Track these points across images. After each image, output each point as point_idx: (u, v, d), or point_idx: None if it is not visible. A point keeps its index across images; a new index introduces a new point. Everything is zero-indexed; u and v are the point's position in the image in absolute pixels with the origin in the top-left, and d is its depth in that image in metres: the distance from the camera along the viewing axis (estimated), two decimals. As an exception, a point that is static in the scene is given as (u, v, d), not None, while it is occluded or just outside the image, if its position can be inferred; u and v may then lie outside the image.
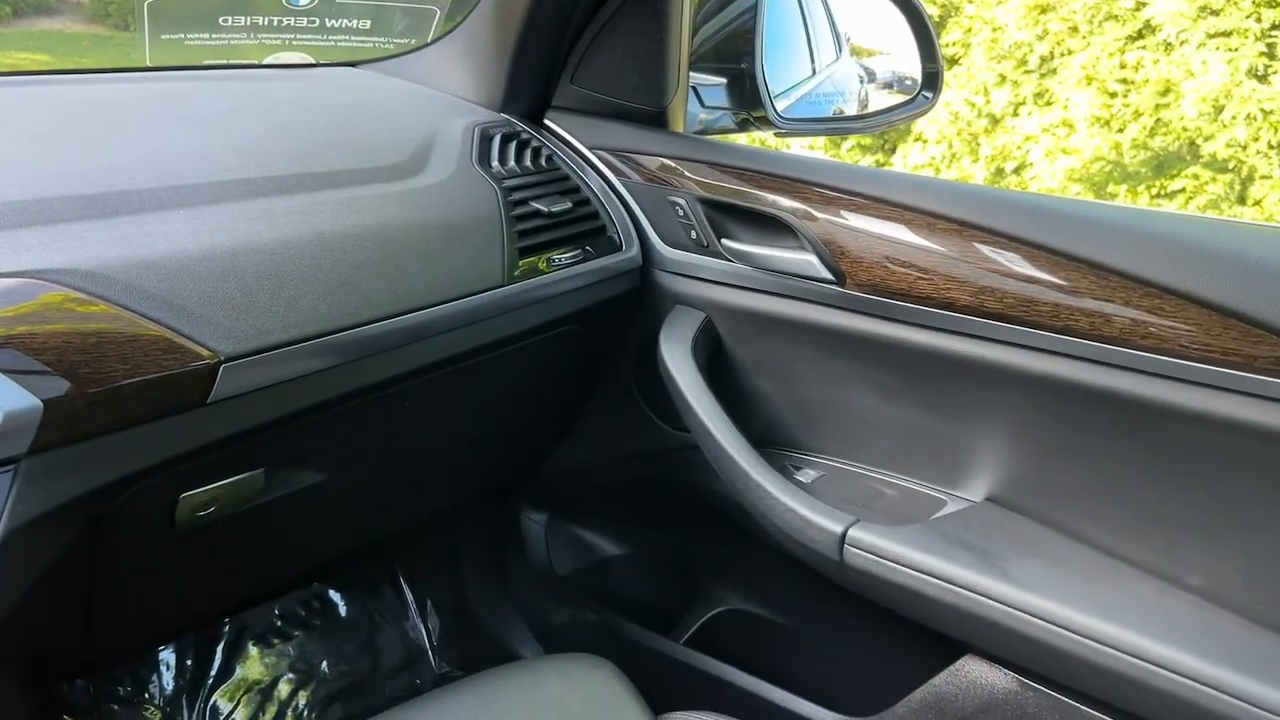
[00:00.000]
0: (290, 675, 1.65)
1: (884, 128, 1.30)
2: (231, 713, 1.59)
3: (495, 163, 1.20)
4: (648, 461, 1.40)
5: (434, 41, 1.40)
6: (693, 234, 1.18)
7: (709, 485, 1.28)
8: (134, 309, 0.87)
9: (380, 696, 1.69)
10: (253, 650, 1.64)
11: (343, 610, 1.73)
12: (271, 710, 1.62)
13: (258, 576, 1.32)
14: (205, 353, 0.89)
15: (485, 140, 1.22)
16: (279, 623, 1.68)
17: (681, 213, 1.19)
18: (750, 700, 1.25)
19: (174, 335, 0.88)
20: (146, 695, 1.55)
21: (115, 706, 1.52)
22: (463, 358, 1.10)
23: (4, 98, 1.12)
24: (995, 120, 7.83)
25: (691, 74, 1.31)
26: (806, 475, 1.16)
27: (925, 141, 8.00)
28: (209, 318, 0.90)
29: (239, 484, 1.02)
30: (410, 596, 1.76)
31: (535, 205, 1.17)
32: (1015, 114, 7.74)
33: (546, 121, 1.32)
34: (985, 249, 0.96)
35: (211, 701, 1.58)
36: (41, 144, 1.00)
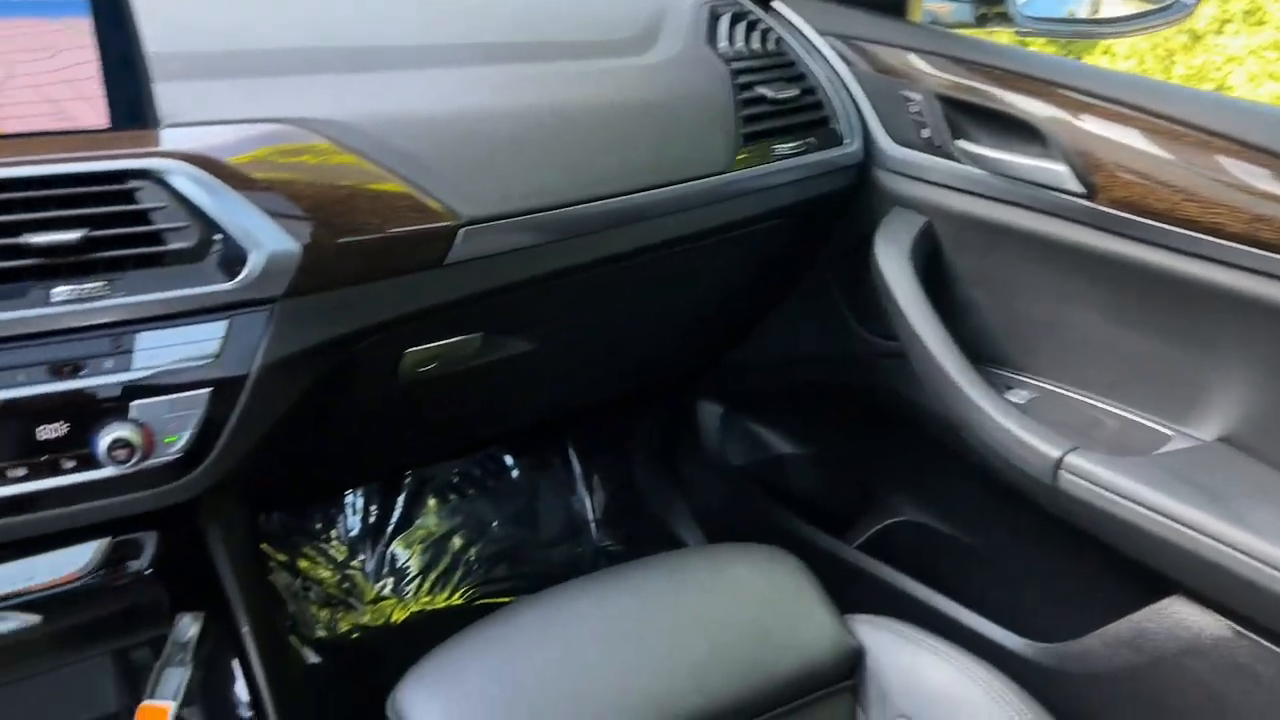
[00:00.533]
0: (462, 531, 1.73)
1: (1138, 32, 1.20)
2: (407, 560, 1.68)
3: (724, 42, 1.17)
4: (836, 365, 1.38)
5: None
6: (924, 132, 1.13)
7: (903, 394, 1.26)
8: (385, 164, 0.89)
9: (543, 562, 1.75)
10: (431, 503, 1.71)
11: (515, 476, 1.79)
12: (443, 562, 1.70)
13: (456, 434, 1.37)
14: (447, 214, 0.91)
15: (714, 18, 1.19)
16: (456, 479, 1.75)
17: (915, 109, 1.13)
18: (926, 612, 1.24)
19: (420, 194, 0.90)
20: (334, 534, 1.65)
21: (305, 541, 1.62)
22: (679, 242, 1.09)
23: None
24: (1196, 37, 7.26)
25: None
26: (1019, 396, 1.12)
27: (1114, 55, 7.49)
28: (454, 180, 0.91)
29: (457, 345, 1.05)
30: (579, 471, 1.81)
31: (762, 90, 1.14)
32: (1220, 31, 7.16)
33: (774, 4, 1.27)
34: (1265, 173, 0.88)
35: (390, 547, 1.67)
36: (297, 6, 1.02)
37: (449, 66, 0.99)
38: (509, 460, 1.79)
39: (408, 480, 1.70)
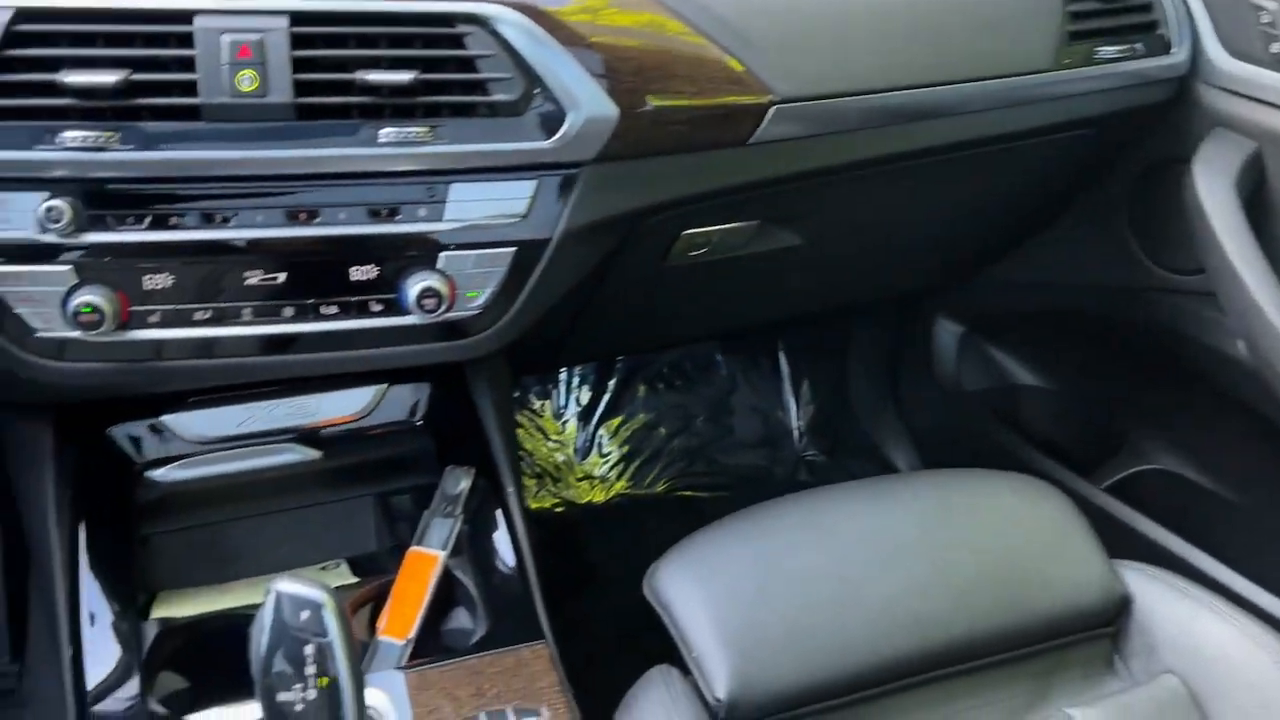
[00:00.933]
0: (667, 423, 1.73)
1: None
2: (612, 444, 1.69)
3: None
4: (1107, 295, 1.29)
5: None
6: (1275, 47, 1.01)
7: (1185, 334, 1.17)
8: (708, 33, 0.84)
9: (743, 463, 1.74)
10: (641, 391, 1.71)
11: (724, 374, 1.77)
12: (646, 451, 1.70)
13: (699, 323, 1.35)
14: (761, 90, 0.86)
15: None
16: (666, 370, 1.74)
17: (1267, 19, 1.01)
18: (1180, 566, 1.17)
19: (738, 65, 0.85)
20: (548, 408, 1.67)
21: (522, 410, 1.64)
22: (981, 143, 1.02)
23: None
24: None
25: None
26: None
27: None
28: (772, 55, 0.86)
29: (733, 231, 1.02)
30: (788, 375, 1.77)
31: None
32: None
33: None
34: None
35: (599, 430, 1.68)
36: None
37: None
38: (719, 358, 1.76)
39: (619, 365, 1.70)
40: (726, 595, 0.85)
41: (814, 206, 1.05)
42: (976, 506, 0.97)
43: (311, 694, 0.64)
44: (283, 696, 0.65)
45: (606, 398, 1.68)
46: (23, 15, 0.69)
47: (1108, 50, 1.04)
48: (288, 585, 0.64)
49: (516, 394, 1.65)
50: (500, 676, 0.79)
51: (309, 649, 0.64)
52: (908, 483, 1.01)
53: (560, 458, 1.65)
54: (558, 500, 1.62)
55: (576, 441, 1.67)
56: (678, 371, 1.73)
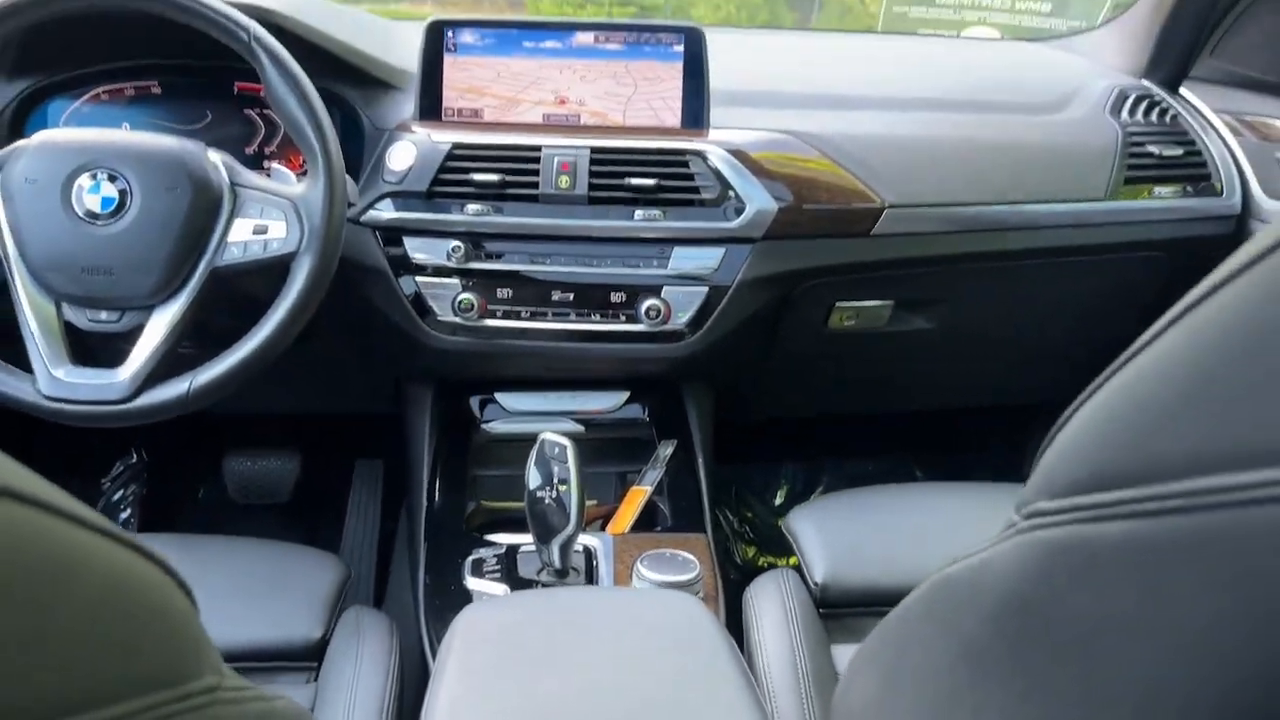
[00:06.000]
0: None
1: None
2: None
3: (1125, 114, 1.48)
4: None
5: (1101, 25, 1.71)
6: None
7: None
8: (842, 164, 1.34)
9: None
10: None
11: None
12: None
13: (860, 393, 1.75)
14: (877, 199, 1.34)
15: (1121, 97, 1.51)
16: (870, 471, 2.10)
17: (1283, 166, 1.36)
18: None
19: (860, 183, 1.34)
20: (780, 494, 2.08)
21: (749, 493, 2.07)
22: (1059, 252, 1.41)
23: (782, 43, 1.70)
24: None
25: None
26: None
27: None
28: (885, 177, 1.34)
29: (873, 309, 1.46)
30: None
31: (1149, 148, 1.43)
32: None
33: (1182, 90, 1.55)
34: None
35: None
36: (808, 68, 1.54)
37: (898, 110, 1.44)
38: (917, 473, 2.11)
39: (825, 472, 2.10)
40: (831, 527, 1.25)
41: (937, 296, 1.47)
42: None
43: (554, 493, 1.13)
44: (539, 494, 1.13)
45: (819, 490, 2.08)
46: (456, 146, 1.32)
47: (1163, 189, 1.42)
48: (548, 434, 1.15)
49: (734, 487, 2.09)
50: (672, 543, 1.23)
51: (556, 468, 1.13)
52: (990, 489, 1.33)
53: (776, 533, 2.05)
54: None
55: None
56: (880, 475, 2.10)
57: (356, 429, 1.92)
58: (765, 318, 1.41)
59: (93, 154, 1.07)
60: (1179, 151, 1.44)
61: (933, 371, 1.65)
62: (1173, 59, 1.53)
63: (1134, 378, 0.37)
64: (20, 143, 1.09)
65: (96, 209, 1.06)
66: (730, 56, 1.44)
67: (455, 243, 1.31)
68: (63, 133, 1.11)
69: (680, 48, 1.36)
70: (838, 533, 1.22)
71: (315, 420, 1.88)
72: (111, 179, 1.07)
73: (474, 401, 1.48)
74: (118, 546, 0.36)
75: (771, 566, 1.95)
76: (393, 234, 1.32)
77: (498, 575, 1.21)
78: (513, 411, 1.47)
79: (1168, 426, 0.34)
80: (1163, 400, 0.35)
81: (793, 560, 1.23)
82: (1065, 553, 0.39)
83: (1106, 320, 1.55)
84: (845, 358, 1.58)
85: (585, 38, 1.37)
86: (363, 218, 1.30)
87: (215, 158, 1.13)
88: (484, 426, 1.47)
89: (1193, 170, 1.44)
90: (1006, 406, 1.82)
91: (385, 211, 1.31)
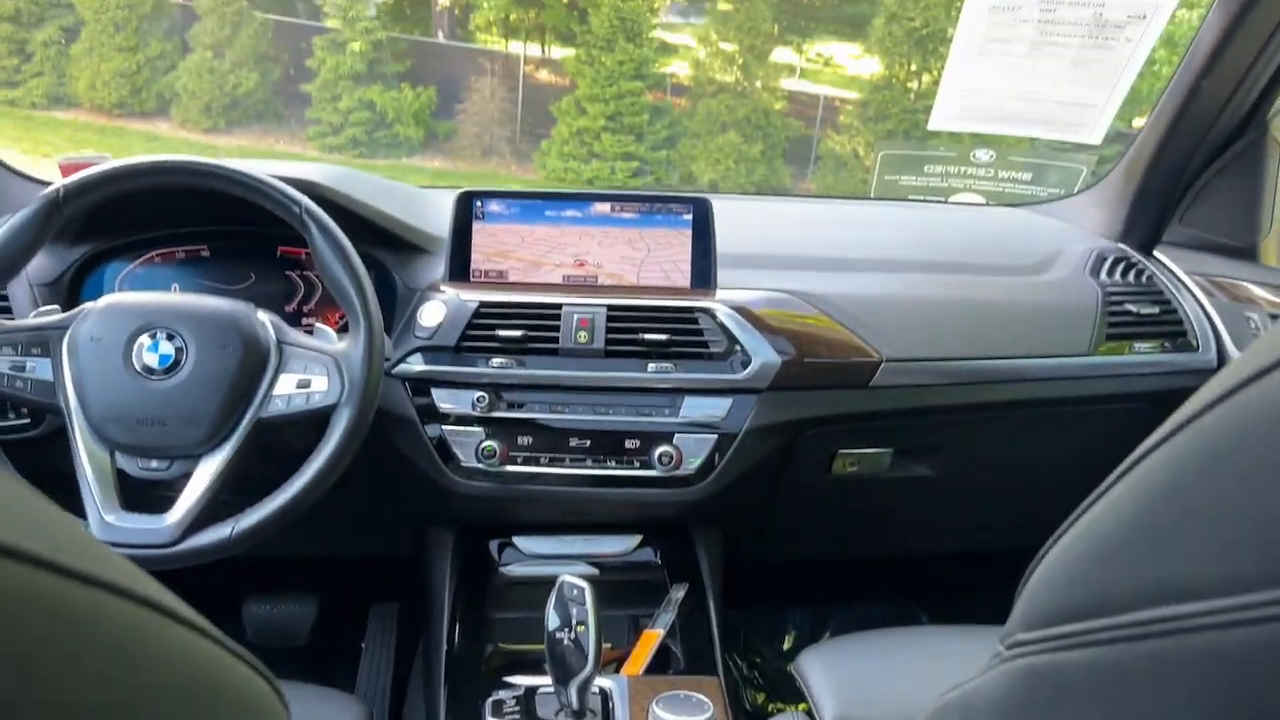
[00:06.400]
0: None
1: None
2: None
3: (1104, 275, 1.59)
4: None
5: (1078, 192, 1.85)
6: (1259, 343, 1.44)
7: None
8: (838, 319, 1.44)
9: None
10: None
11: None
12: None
13: (865, 537, 1.80)
14: (874, 354, 1.43)
15: (1100, 259, 1.62)
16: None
17: (1254, 326, 1.46)
18: None
19: (857, 339, 1.43)
20: (789, 640, 2.11)
21: (758, 640, 2.10)
22: (1048, 403, 1.50)
23: (783, 209, 1.83)
24: None
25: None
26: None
27: None
28: (881, 333, 1.44)
29: (874, 456, 1.54)
30: None
31: (1128, 306, 1.54)
32: None
33: (1155, 253, 1.67)
34: None
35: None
36: (807, 232, 1.66)
37: (892, 272, 1.55)
38: (923, 618, 2.14)
39: (834, 611, 2.13)
40: (840, 669, 1.29)
41: (935, 444, 1.55)
42: None
43: (573, 635, 1.18)
44: (558, 635, 1.18)
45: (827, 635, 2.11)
46: (484, 305, 1.42)
47: (1142, 345, 1.52)
48: (567, 577, 1.21)
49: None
50: (685, 685, 1.27)
51: (574, 610, 1.18)
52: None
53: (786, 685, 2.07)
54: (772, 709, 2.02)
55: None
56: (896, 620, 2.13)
57: (374, 572, 1.97)
58: (772, 464, 1.48)
59: (153, 315, 1.17)
60: (1155, 310, 1.54)
61: (935, 516, 1.72)
62: (1146, 224, 1.65)
63: (1092, 521, 0.45)
64: (88, 305, 1.19)
65: (154, 365, 1.15)
66: (735, 221, 1.56)
67: (480, 393, 1.39)
68: (127, 296, 1.22)
69: (689, 216, 1.48)
70: (846, 675, 1.26)
71: (334, 564, 1.93)
72: (170, 338, 1.16)
73: (492, 545, 1.53)
74: (223, 651, 0.42)
75: (781, 712, 1.96)
76: (421, 385, 1.41)
77: (517, 716, 1.25)
78: (530, 555, 1.53)
79: (1119, 565, 0.42)
80: (1115, 542, 0.42)
81: (802, 706, 1.27)
82: (1042, 678, 0.45)
83: (1096, 467, 1.60)
84: (849, 503, 1.65)
85: (602, 207, 1.49)
86: (394, 370, 1.39)
87: (264, 317, 1.22)
88: (502, 569, 1.52)
89: (1170, 327, 1.54)
90: (1007, 551, 1.87)
91: (416, 364, 1.40)
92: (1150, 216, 1.65)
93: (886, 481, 1.57)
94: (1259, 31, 1.35)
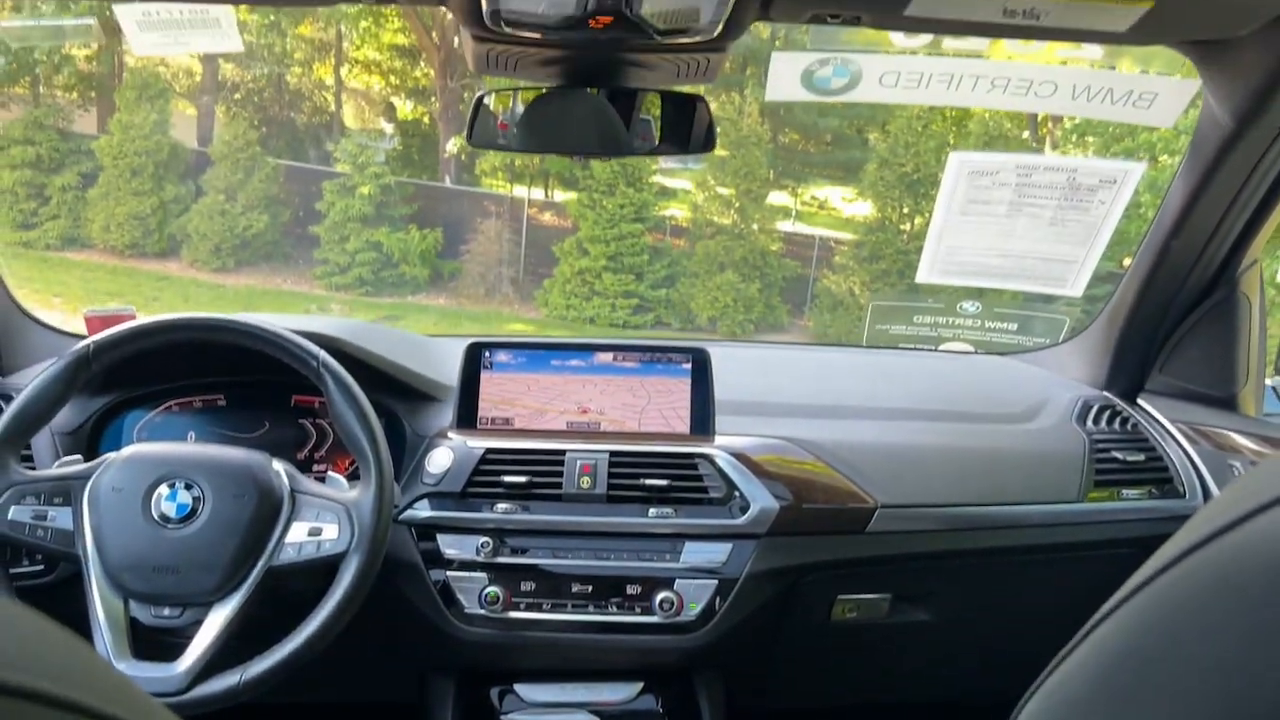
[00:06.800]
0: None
1: None
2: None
3: (1090, 423, 1.64)
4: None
5: (1063, 341, 1.92)
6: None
7: None
8: (833, 465, 1.49)
9: None
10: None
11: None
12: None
13: (866, 683, 1.80)
14: (869, 499, 1.47)
15: (1086, 407, 1.68)
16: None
17: (1238, 474, 1.50)
18: None
19: (853, 485, 1.47)
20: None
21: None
22: (1040, 550, 1.53)
23: (778, 356, 1.89)
24: None
25: (1276, 378, 1.64)
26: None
27: None
28: (876, 479, 1.48)
29: (872, 601, 1.56)
30: None
31: (1115, 454, 1.58)
32: None
33: (1139, 401, 1.73)
34: None
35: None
36: (802, 379, 1.72)
37: (885, 419, 1.60)
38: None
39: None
40: None
41: (932, 590, 1.57)
42: None
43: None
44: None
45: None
46: (490, 451, 1.47)
47: (1130, 492, 1.55)
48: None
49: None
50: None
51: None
52: None
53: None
54: None
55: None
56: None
57: (372, 717, 1.95)
58: (772, 609, 1.50)
59: (173, 465, 1.21)
60: (1142, 457, 1.59)
61: (934, 662, 1.72)
62: (1129, 373, 1.71)
63: (1061, 681, 0.48)
64: (110, 455, 1.23)
65: (171, 514, 1.19)
66: (732, 368, 1.62)
67: (484, 538, 1.43)
68: (148, 447, 1.26)
69: (688, 365, 1.54)
70: None
71: (333, 709, 1.92)
72: (188, 487, 1.20)
73: (494, 692, 1.54)
74: None
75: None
76: (427, 530, 1.44)
77: None
78: (531, 703, 1.53)
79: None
80: (1081, 704, 0.46)
81: None
82: None
83: (1088, 614, 1.63)
84: (849, 649, 1.65)
85: (605, 356, 1.55)
86: (401, 517, 1.43)
87: (278, 466, 1.27)
88: (504, 718, 1.52)
89: (1157, 474, 1.58)
90: (1005, 699, 1.86)
91: (422, 511, 1.43)
92: (1132, 366, 1.71)
93: (885, 627, 1.59)
94: (1222, 197, 1.43)
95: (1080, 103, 1.49)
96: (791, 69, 1.59)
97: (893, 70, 1.55)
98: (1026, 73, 1.48)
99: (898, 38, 1.41)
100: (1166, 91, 1.46)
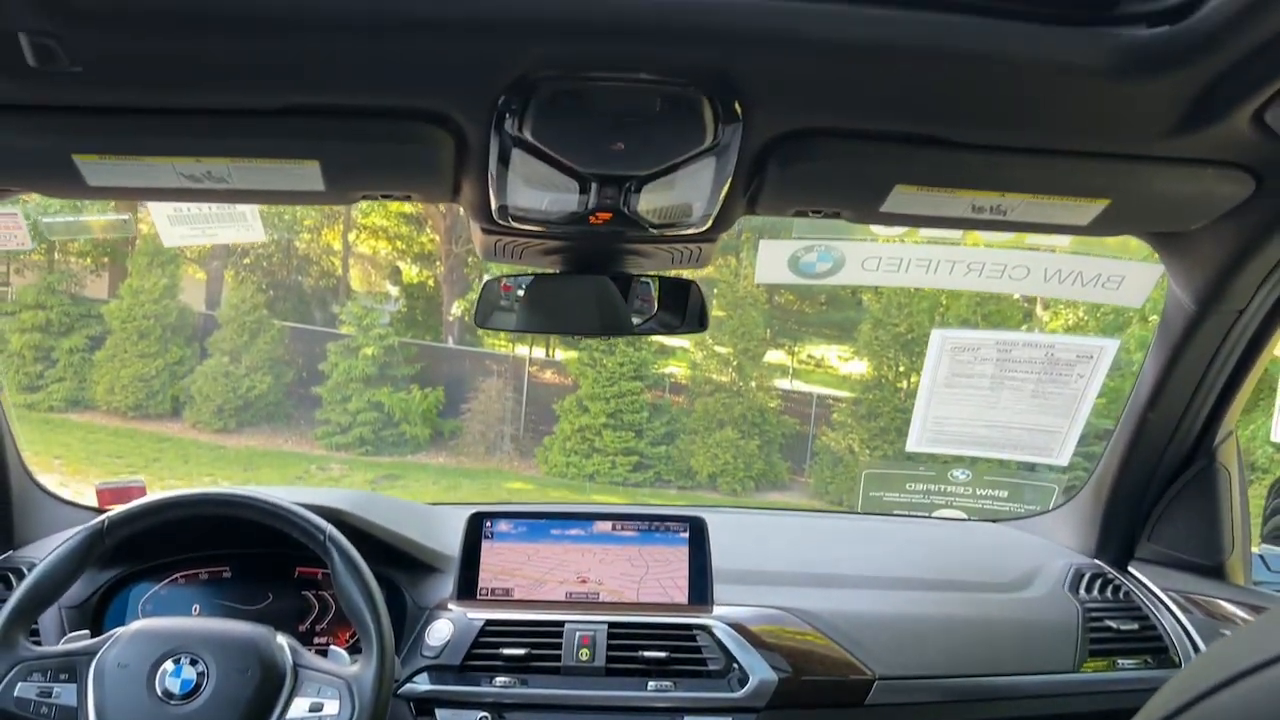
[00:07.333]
0: None
1: None
2: None
3: (1083, 591, 1.66)
4: None
5: (1053, 509, 1.95)
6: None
7: None
8: (831, 636, 1.50)
9: None
10: None
11: None
12: None
13: None
14: (867, 671, 1.48)
15: (1078, 576, 1.70)
16: None
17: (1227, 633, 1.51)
18: None
19: (851, 657, 1.49)
20: None
21: None
22: None
23: (774, 523, 1.93)
24: None
25: (1264, 546, 1.67)
26: None
27: None
28: (873, 651, 1.49)
29: (874, 775, 1.54)
30: None
31: (1108, 623, 1.60)
32: None
33: (1130, 569, 1.75)
34: None
35: None
36: (798, 547, 1.75)
37: (881, 589, 1.62)
38: None
39: None
40: None
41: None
42: None
43: None
44: None
45: None
46: (489, 623, 1.48)
47: (1125, 662, 1.56)
48: None
49: None
50: None
51: None
52: None
53: None
54: None
55: None
56: None
57: None
58: None
59: (179, 640, 1.23)
60: (1135, 626, 1.60)
61: None
62: (1118, 541, 1.74)
63: None
64: (118, 631, 1.26)
65: (175, 690, 1.20)
66: (729, 535, 1.65)
67: (483, 713, 1.43)
68: (155, 622, 1.28)
69: (685, 534, 1.57)
70: None
71: None
72: (193, 662, 1.22)
73: None
74: None
75: None
76: (426, 705, 1.44)
77: None
78: None
79: None
80: None
81: None
82: None
83: None
84: None
85: (604, 525, 1.59)
86: (400, 690, 1.44)
87: (282, 640, 1.29)
88: None
89: (1151, 644, 1.59)
90: None
91: (421, 684, 1.44)
92: (1120, 534, 1.74)
93: None
94: (1192, 373, 1.49)
95: (1052, 285, 1.58)
96: (779, 255, 1.69)
97: (874, 256, 1.64)
98: (1001, 257, 1.58)
99: (878, 226, 1.51)
100: (1133, 274, 1.55)
